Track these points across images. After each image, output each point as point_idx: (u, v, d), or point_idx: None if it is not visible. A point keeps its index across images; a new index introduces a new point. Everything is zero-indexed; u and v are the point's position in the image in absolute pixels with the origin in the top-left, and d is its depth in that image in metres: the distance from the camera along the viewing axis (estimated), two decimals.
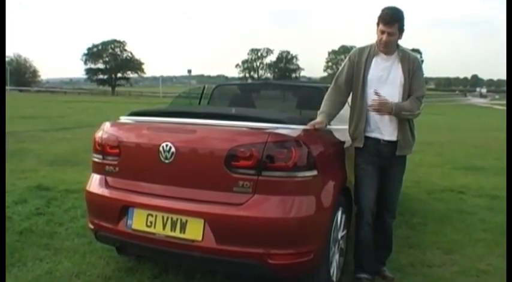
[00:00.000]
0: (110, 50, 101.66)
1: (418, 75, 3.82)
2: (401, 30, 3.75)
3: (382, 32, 3.72)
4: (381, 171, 3.91)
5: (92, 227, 3.83)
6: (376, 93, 3.75)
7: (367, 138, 3.86)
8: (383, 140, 3.83)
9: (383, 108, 3.72)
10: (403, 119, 3.79)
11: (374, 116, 3.82)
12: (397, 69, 3.80)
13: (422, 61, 3.96)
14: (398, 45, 3.84)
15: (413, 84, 3.80)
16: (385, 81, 3.80)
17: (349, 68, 3.93)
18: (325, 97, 3.97)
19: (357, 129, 3.88)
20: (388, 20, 3.69)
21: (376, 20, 3.77)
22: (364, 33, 3.95)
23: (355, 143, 3.91)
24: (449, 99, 72.57)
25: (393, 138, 3.82)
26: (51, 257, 4.26)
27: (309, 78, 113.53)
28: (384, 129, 3.82)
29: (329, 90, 4.01)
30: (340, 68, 4.04)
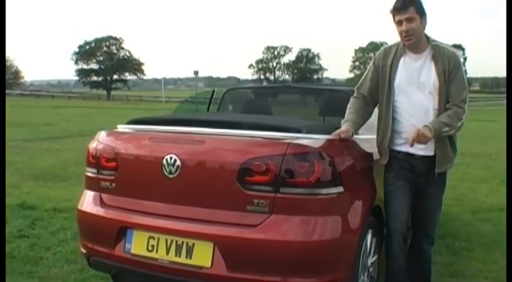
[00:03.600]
0: (105, 48, 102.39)
1: (457, 77, 3.72)
2: (421, 14, 3.68)
3: (400, 22, 3.68)
4: (416, 189, 3.89)
5: (84, 251, 3.86)
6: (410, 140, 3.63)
7: (397, 152, 3.84)
8: (417, 155, 3.80)
9: (421, 139, 3.56)
10: None
11: (405, 127, 3.78)
12: (429, 70, 3.74)
13: (465, 59, 3.91)
14: (430, 39, 3.81)
15: (452, 88, 3.71)
16: (415, 85, 3.75)
17: (374, 74, 3.92)
18: (349, 106, 3.98)
19: (383, 144, 3.87)
20: (400, 5, 3.67)
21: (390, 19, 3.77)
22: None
23: (382, 159, 3.92)
24: (498, 103, 71.89)
25: (429, 152, 3.78)
26: None
27: (333, 80, 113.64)
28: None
29: (352, 99, 4.00)
30: (364, 74, 4.03)
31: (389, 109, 3.81)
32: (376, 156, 3.99)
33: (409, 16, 3.64)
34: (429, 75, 3.73)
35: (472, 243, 5.78)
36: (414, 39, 3.71)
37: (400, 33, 3.71)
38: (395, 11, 3.69)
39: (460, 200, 8.06)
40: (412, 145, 3.64)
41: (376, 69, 3.90)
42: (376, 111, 4.01)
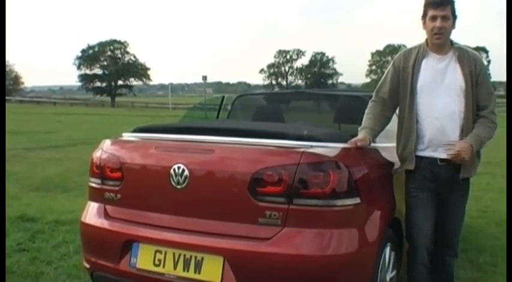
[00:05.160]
0: (109, 52, 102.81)
1: (484, 81, 3.79)
2: (454, 15, 3.76)
3: (434, 18, 3.71)
4: (439, 198, 3.88)
5: (87, 266, 3.88)
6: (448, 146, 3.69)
7: (419, 158, 3.84)
8: (440, 160, 3.79)
9: (462, 154, 3.63)
10: (467, 132, 3.74)
11: (428, 130, 3.80)
12: (454, 72, 3.77)
13: (489, 61, 3.93)
14: (453, 42, 3.83)
15: (480, 92, 3.77)
16: (440, 87, 3.77)
17: (394, 76, 3.93)
18: (367, 111, 3.99)
19: (407, 149, 3.86)
20: (440, 1, 3.71)
21: (421, 13, 3.81)
22: (415, 29, 3.93)
23: (405, 165, 3.90)
24: None
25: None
26: None
27: (349, 85, 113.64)
28: (441, 145, 3.76)
29: (370, 103, 4.02)
30: (383, 77, 4.05)
31: (413, 112, 3.82)
32: (395, 165, 3.99)
33: (446, 14, 3.70)
34: (455, 76, 3.76)
35: (497, 257, 5.73)
36: (443, 39, 3.75)
37: (431, 29, 3.73)
38: (434, 5, 3.72)
39: (484, 212, 8.02)
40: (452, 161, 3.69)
41: (396, 71, 3.92)
42: (394, 118, 4.02)
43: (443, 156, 3.76)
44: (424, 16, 3.80)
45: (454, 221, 3.98)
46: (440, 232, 3.94)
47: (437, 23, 3.69)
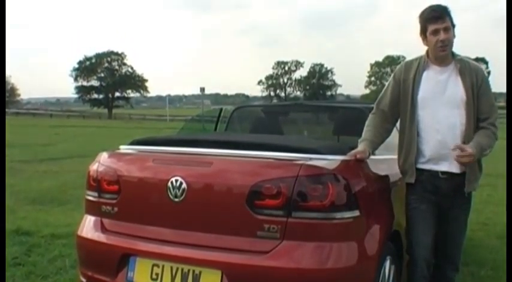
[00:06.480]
0: (106, 64, 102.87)
1: (485, 92, 3.79)
2: (453, 25, 3.77)
3: (436, 32, 3.71)
4: (440, 211, 3.87)
5: (83, 280, 3.86)
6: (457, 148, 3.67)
7: (420, 170, 3.84)
8: (441, 172, 3.79)
9: (467, 159, 3.63)
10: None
11: (429, 142, 3.80)
12: (455, 84, 3.77)
13: (489, 72, 3.94)
14: (454, 54, 3.84)
15: (481, 104, 3.77)
16: (441, 99, 3.78)
17: (394, 88, 3.94)
18: (367, 123, 3.99)
19: (407, 161, 3.87)
20: (438, 14, 3.72)
21: (419, 29, 3.82)
22: (415, 40, 3.93)
23: (406, 178, 3.90)
24: None
25: (454, 169, 3.77)
26: None
27: (348, 97, 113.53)
28: (442, 158, 3.78)
29: (370, 115, 4.02)
30: (384, 89, 4.06)
31: (414, 124, 3.82)
32: (394, 178, 3.99)
33: (446, 25, 3.71)
34: (456, 88, 3.76)
35: (499, 271, 5.70)
36: (448, 51, 3.76)
37: (435, 43, 3.73)
38: (433, 19, 3.73)
39: (485, 225, 8.02)
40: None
41: (397, 83, 3.92)
42: (394, 129, 4.02)
43: (444, 168, 3.77)
44: (423, 32, 3.80)
45: (456, 234, 3.98)
46: (441, 246, 3.94)
47: (441, 35, 3.70)
